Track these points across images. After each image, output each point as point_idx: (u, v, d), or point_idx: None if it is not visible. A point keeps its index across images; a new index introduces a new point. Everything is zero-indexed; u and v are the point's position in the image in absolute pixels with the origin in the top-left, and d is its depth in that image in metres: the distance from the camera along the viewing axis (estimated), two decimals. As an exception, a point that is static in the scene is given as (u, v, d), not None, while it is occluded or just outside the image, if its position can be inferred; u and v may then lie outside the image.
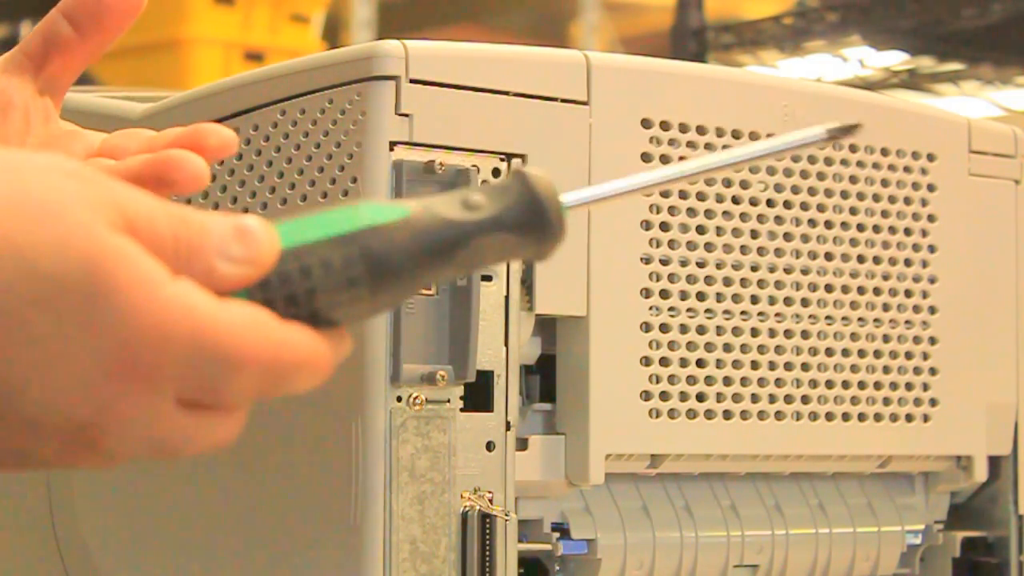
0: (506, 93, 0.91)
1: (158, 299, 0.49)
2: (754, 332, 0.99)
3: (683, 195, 0.96)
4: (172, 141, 0.66)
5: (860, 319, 1.03)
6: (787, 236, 1.00)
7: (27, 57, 0.69)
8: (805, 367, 1.00)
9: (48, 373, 0.48)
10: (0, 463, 0.50)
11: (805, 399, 1.01)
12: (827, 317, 1.02)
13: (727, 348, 0.97)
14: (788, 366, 1.00)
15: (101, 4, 0.68)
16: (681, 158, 0.96)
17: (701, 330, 0.96)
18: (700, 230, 0.97)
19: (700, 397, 0.96)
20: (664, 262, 0.95)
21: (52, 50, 0.69)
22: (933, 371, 1.06)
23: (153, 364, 0.49)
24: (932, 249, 1.06)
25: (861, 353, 1.03)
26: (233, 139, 0.65)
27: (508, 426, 0.90)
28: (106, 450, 0.50)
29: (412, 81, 0.88)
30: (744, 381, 0.98)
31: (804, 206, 1.01)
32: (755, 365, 0.98)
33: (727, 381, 0.97)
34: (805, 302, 1.01)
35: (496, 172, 0.90)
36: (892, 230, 1.05)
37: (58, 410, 0.49)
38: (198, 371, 0.49)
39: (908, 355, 1.05)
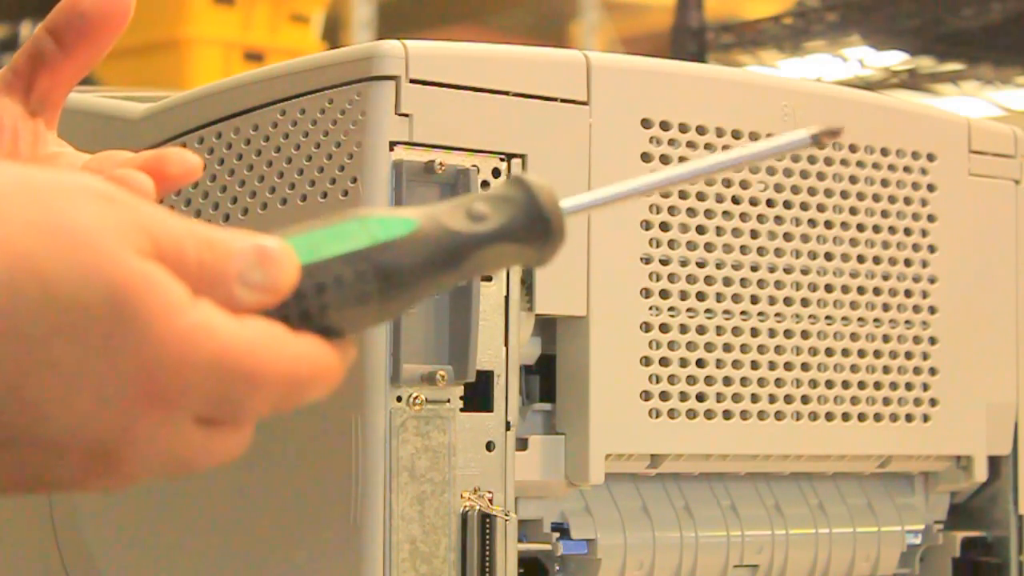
0: (506, 93, 0.91)
1: (181, 325, 0.49)
2: (754, 332, 0.99)
3: (683, 195, 0.96)
4: (141, 164, 0.65)
5: (860, 319, 1.03)
6: (787, 236, 1.00)
7: (15, 76, 0.68)
8: (805, 367, 1.00)
9: (70, 398, 0.48)
10: (16, 485, 0.50)
11: (805, 399, 1.01)
12: (827, 317, 1.02)
13: (727, 348, 0.97)
14: (788, 366, 1.00)
15: (84, 19, 0.67)
16: (681, 158, 0.96)
17: (701, 330, 0.96)
18: (700, 230, 0.97)
19: (700, 397, 0.96)
20: (664, 262, 0.95)
21: (39, 68, 0.67)
22: (933, 371, 1.06)
23: (175, 388, 0.49)
24: (932, 249, 1.06)
25: (861, 353, 1.03)
26: (197, 166, 0.64)
27: (508, 426, 0.90)
28: (124, 472, 0.51)
29: (412, 81, 0.88)
30: (744, 381, 0.98)
31: (804, 206, 1.01)
32: (755, 365, 0.98)
33: (727, 381, 0.97)
34: (805, 302, 1.01)
35: (496, 172, 0.90)
36: (892, 230, 1.05)
37: (79, 434, 0.49)
38: (219, 392, 0.50)
39: (908, 355, 1.05)
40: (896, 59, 2.06)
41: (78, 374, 0.48)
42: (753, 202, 0.99)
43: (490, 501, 0.89)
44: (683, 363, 0.96)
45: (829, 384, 1.02)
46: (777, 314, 1.00)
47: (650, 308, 0.95)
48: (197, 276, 0.50)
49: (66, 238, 0.48)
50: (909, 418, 1.05)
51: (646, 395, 0.94)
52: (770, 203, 1.00)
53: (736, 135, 0.98)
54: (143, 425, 0.49)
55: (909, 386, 1.05)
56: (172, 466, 0.51)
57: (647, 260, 0.95)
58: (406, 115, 0.88)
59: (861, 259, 1.03)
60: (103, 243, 0.49)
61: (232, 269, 0.51)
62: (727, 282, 0.98)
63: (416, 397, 0.87)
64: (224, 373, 0.50)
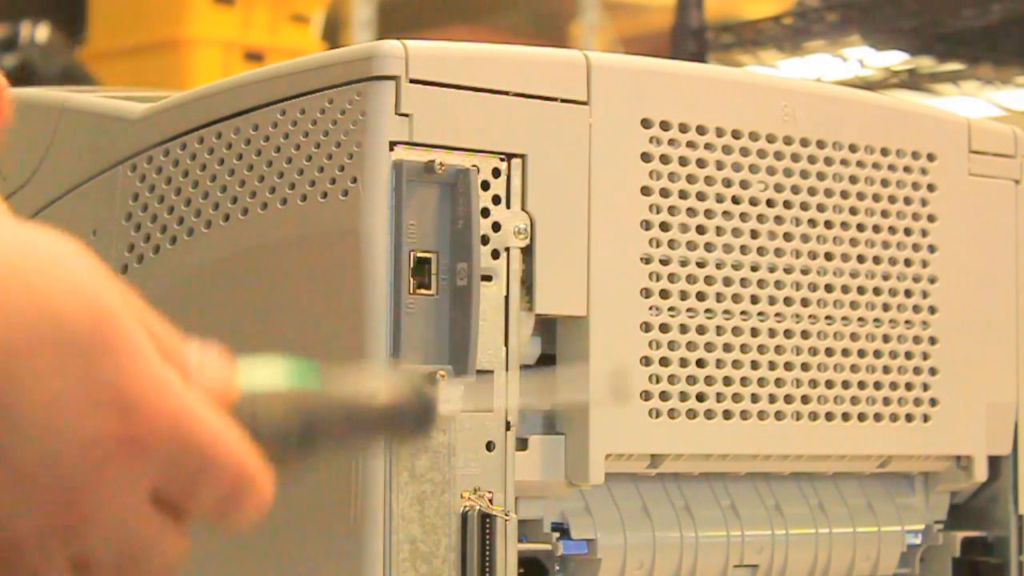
0: (506, 93, 0.91)
1: (152, 371, 0.50)
2: (754, 332, 0.99)
3: (683, 195, 0.96)
4: None
5: (860, 319, 1.03)
6: (787, 236, 1.00)
7: None
8: (805, 367, 1.00)
9: (49, 417, 0.48)
10: None
11: (805, 399, 1.01)
12: (827, 317, 1.02)
13: (727, 348, 0.97)
14: (788, 366, 1.00)
15: None
16: (681, 158, 0.96)
17: (701, 330, 0.96)
18: (700, 230, 0.97)
19: (700, 397, 0.96)
20: (664, 262, 0.95)
21: None
22: (933, 371, 1.06)
23: (142, 432, 0.49)
24: (932, 249, 1.06)
25: (861, 353, 1.03)
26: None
27: (508, 426, 0.90)
28: (84, 536, 0.50)
29: (412, 81, 0.88)
30: (744, 381, 0.98)
31: (804, 206, 1.01)
32: (755, 365, 0.98)
33: (727, 381, 0.97)
34: (805, 302, 1.01)
35: (496, 172, 0.90)
36: (892, 230, 1.05)
37: (51, 464, 0.48)
38: (176, 457, 0.50)
39: (908, 355, 1.05)
40: (896, 59, 2.06)
41: (59, 393, 0.48)
42: (753, 202, 0.99)
43: (490, 501, 0.89)
44: (683, 363, 0.96)
45: (829, 384, 1.02)
46: (777, 314, 1.00)
47: (650, 308, 0.95)
48: (160, 346, 0.51)
49: (56, 260, 0.49)
50: (909, 418, 1.05)
51: (646, 395, 0.94)
52: (770, 203, 1.00)
53: (736, 135, 0.98)
54: (110, 469, 0.49)
55: (909, 386, 1.05)
56: (124, 548, 0.51)
57: (647, 260, 0.95)
58: (406, 115, 0.88)
59: (861, 259, 1.03)
60: (88, 271, 0.50)
61: (188, 356, 0.52)
62: (727, 282, 0.98)
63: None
64: (183, 436, 0.50)
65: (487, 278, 0.89)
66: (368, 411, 0.57)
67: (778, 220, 1.00)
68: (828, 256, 1.02)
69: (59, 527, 0.50)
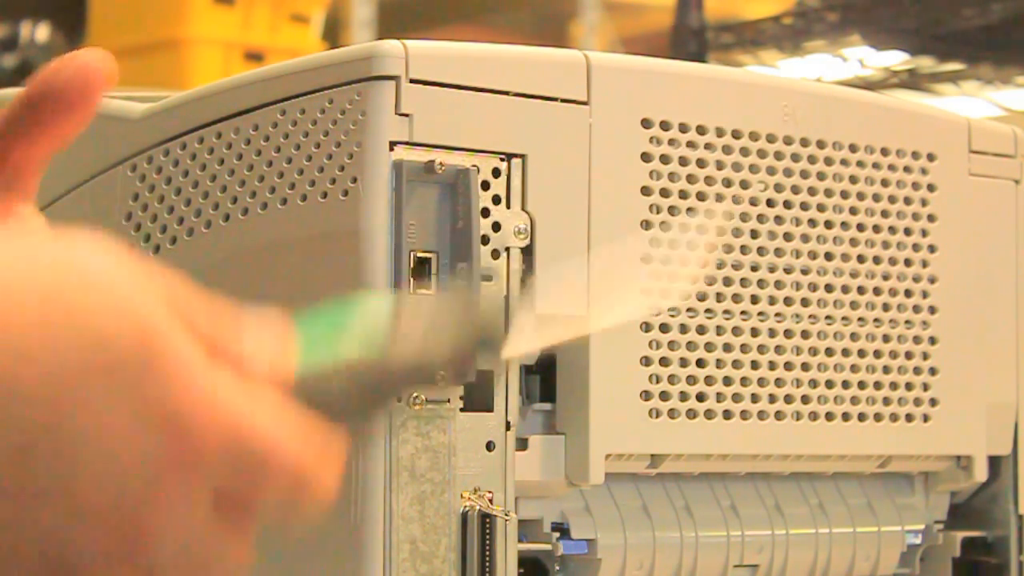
0: (506, 93, 0.91)
1: (201, 386, 0.49)
2: (754, 332, 0.99)
3: (683, 195, 0.96)
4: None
5: (860, 319, 1.03)
6: (787, 236, 1.00)
7: None
8: (805, 367, 1.00)
9: (100, 441, 0.48)
10: (33, 564, 0.49)
11: (805, 399, 1.01)
12: (827, 317, 1.02)
13: (727, 348, 0.97)
14: (788, 366, 1.00)
15: (60, 93, 0.60)
16: (681, 158, 0.96)
17: (701, 330, 0.96)
18: (700, 230, 0.97)
19: (700, 397, 0.96)
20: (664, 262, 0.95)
21: (13, 141, 0.61)
22: (933, 371, 1.06)
23: (194, 450, 0.49)
24: (932, 249, 1.06)
25: (861, 353, 1.03)
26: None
27: (508, 426, 0.90)
28: (145, 561, 0.49)
29: (412, 81, 0.88)
30: (744, 381, 0.98)
31: (804, 206, 1.01)
32: (755, 365, 0.98)
33: (727, 381, 0.97)
34: (805, 302, 1.01)
35: (496, 172, 0.90)
36: (892, 230, 1.05)
37: (105, 488, 0.48)
38: (233, 468, 0.50)
39: (908, 355, 1.05)
40: (896, 59, 2.06)
41: (110, 418, 0.48)
42: (753, 202, 0.99)
43: (490, 501, 0.89)
44: (683, 363, 0.96)
45: (829, 384, 1.02)
46: (777, 314, 1.00)
47: (650, 308, 0.95)
48: (210, 344, 0.51)
49: (95, 278, 0.48)
50: (909, 418, 1.05)
51: (646, 395, 0.94)
52: (770, 203, 1.00)
53: (736, 135, 0.98)
54: (168, 487, 0.49)
55: (909, 386, 1.05)
56: (191, 559, 0.50)
57: (647, 260, 0.95)
58: (406, 115, 0.88)
59: (861, 259, 1.03)
60: (131, 288, 0.49)
61: (242, 336, 0.51)
62: (727, 282, 0.98)
63: (416, 396, 0.87)
64: (238, 445, 0.50)
65: (487, 278, 0.89)
66: (433, 360, 0.55)
67: (778, 220, 1.00)
68: (828, 256, 1.02)
69: (123, 549, 0.49)
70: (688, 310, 0.96)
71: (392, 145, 0.87)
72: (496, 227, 0.90)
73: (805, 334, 1.01)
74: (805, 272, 1.01)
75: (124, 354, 0.48)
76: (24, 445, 0.47)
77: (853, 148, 1.03)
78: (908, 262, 1.05)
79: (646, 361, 0.94)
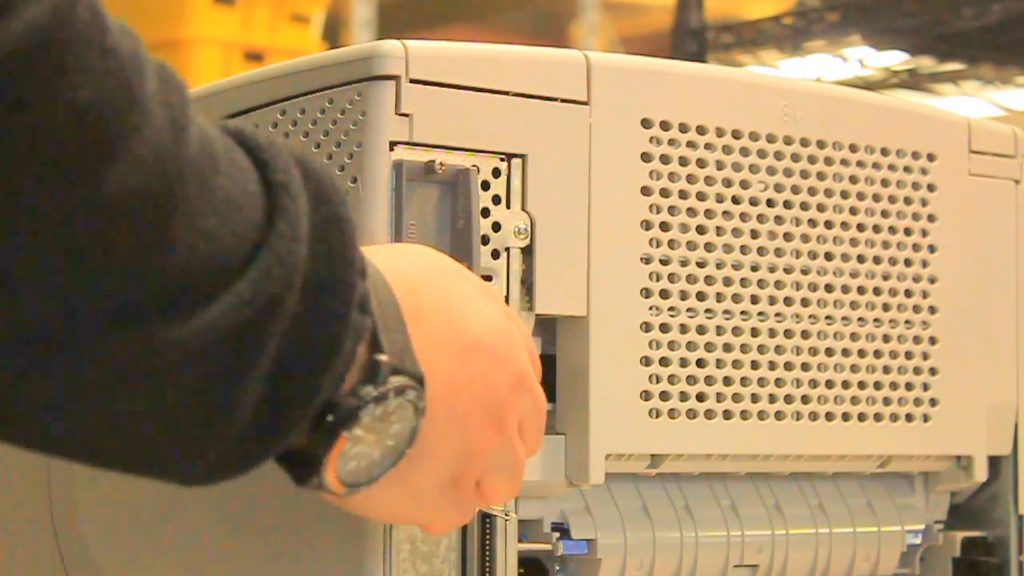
0: (506, 93, 0.91)
1: (526, 354, 0.78)
2: (754, 332, 0.99)
3: (683, 195, 0.96)
4: None
5: (860, 319, 1.03)
6: (787, 236, 1.00)
7: None
8: (805, 367, 1.00)
9: (468, 406, 0.75)
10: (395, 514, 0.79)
11: (805, 399, 1.01)
12: (827, 317, 1.02)
13: (727, 348, 0.97)
14: (788, 366, 1.00)
15: None
16: (681, 158, 0.96)
17: (701, 330, 0.96)
18: (700, 230, 0.97)
19: (700, 397, 0.96)
20: (664, 262, 0.95)
21: None
22: (933, 371, 1.06)
23: (522, 388, 0.77)
24: (932, 249, 1.06)
25: (861, 353, 1.03)
26: None
27: (508, 426, 0.90)
28: (484, 464, 0.76)
29: (412, 81, 0.88)
30: (744, 381, 0.98)
31: (804, 206, 1.01)
32: (755, 365, 0.98)
33: (727, 381, 0.97)
34: (805, 302, 1.01)
35: (496, 172, 0.90)
36: (892, 230, 1.05)
37: (485, 411, 0.75)
38: (529, 405, 0.78)
39: (908, 355, 1.05)
40: (896, 59, 2.06)
41: (490, 382, 0.76)
42: (753, 202, 0.99)
43: (490, 501, 0.89)
44: (683, 363, 0.96)
45: (829, 384, 1.02)
46: (777, 314, 1.00)
47: (650, 308, 0.95)
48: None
49: (480, 299, 0.78)
50: (909, 418, 1.05)
51: (646, 395, 0.94)
52: (770, 203, 1.00)
53: (736, 135, 0.98)
54: (509, 411, 0.76)
55: (909, 386, 1.05)
56: (508, 463, 0.78)
57: (647, 260, 0.95)
58: (406, 115, 0.88)
59: (861, 259, 1.03)
60: (487, 288, 0.80)
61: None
62: (727, 282, 0.98)
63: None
64: (533, 387, 0.79)
65: (487, 278, 0.89)
66: None
67: (778, 220, 1.00)
68: (828, 256, 1.02)
69: (484, 450, 0.75)
70: (688, 310, 0.96)
71: (392, 145, 0.87)
72: (496, 227, 0.90)
73: (805, 334, 1.01)
74: (805, 272, 1.01)
75: (496, 339, 0.76)
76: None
77: (853, 148, 1.03)
78: (908, 262, 1.05)
79: (646, 361, 0.94)
